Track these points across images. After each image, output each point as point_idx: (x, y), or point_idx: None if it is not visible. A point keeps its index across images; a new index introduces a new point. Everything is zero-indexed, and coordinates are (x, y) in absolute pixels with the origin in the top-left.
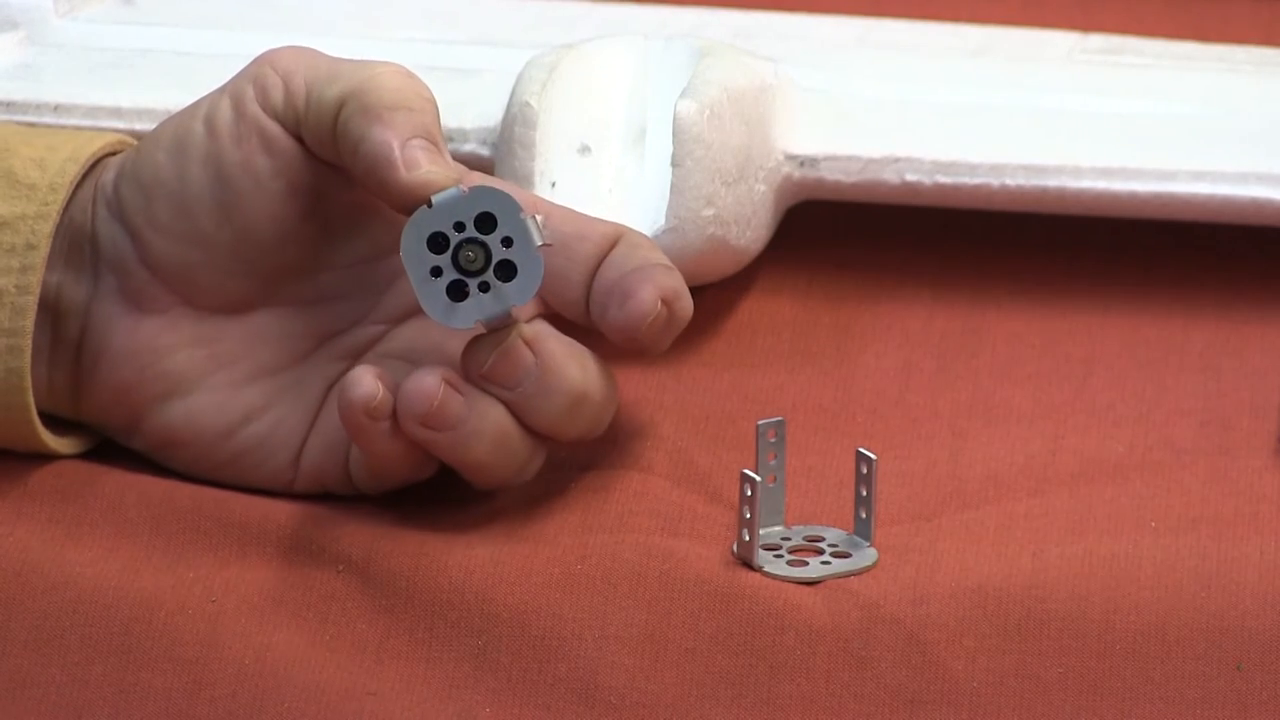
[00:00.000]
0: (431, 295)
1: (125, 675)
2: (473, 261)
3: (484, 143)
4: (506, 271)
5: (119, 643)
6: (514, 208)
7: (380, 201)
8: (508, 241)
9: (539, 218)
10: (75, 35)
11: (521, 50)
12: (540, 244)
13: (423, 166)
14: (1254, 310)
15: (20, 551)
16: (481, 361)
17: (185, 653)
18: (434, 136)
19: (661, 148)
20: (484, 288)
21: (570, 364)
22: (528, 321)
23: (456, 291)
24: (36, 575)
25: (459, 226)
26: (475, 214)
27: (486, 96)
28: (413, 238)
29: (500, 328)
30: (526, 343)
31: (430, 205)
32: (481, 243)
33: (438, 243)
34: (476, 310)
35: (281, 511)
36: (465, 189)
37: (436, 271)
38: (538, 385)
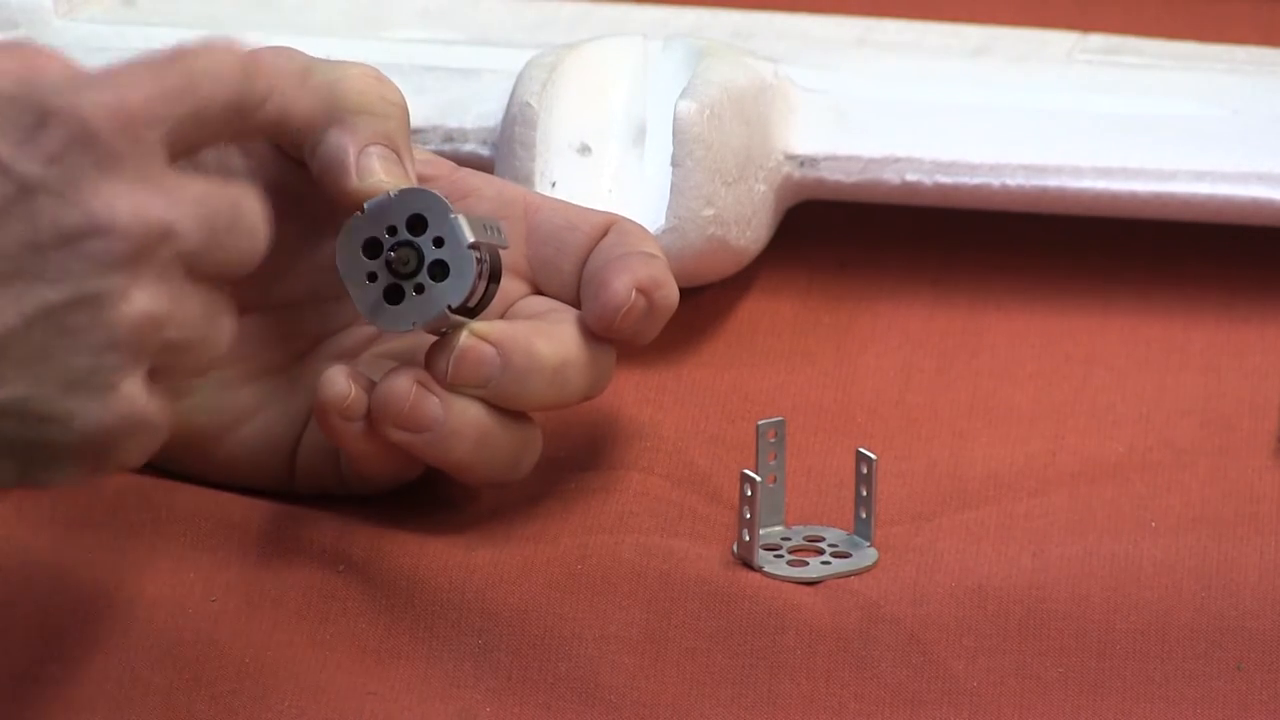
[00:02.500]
0: (367, 300)
1: (125, 675)
2: (405, 264)
3: (484, 143)
4: (440, 271)
5: (119, 643)
6: (443, 208)
7: (336, 206)
8: (439, 242)
9: (495, 222)
10: (75, 35)
11: (521, 50)
12: (471, 241)
13: (375, 175)
14: (1254, 310)
15: (21, 552)
16: (443, 370)
17: (185, 652)
18: (396, 143)
19: (661, 148)
20: (419, 289)
21: (538, 341)
22: (515, 302)
23: (393, 295)
24: (37, 576)
25: (391, 230)
26: (406, 216)
27: (486, 96)
28: (346, 245)
29: (444, 328)
30: (482, 337)
31: (363, 211)
32: (414, 245)
33: (371, 248)
34: (412, 313)
35: (282, 512)
36: (393, 193)
37: (372, 277)
38: (509, 375)
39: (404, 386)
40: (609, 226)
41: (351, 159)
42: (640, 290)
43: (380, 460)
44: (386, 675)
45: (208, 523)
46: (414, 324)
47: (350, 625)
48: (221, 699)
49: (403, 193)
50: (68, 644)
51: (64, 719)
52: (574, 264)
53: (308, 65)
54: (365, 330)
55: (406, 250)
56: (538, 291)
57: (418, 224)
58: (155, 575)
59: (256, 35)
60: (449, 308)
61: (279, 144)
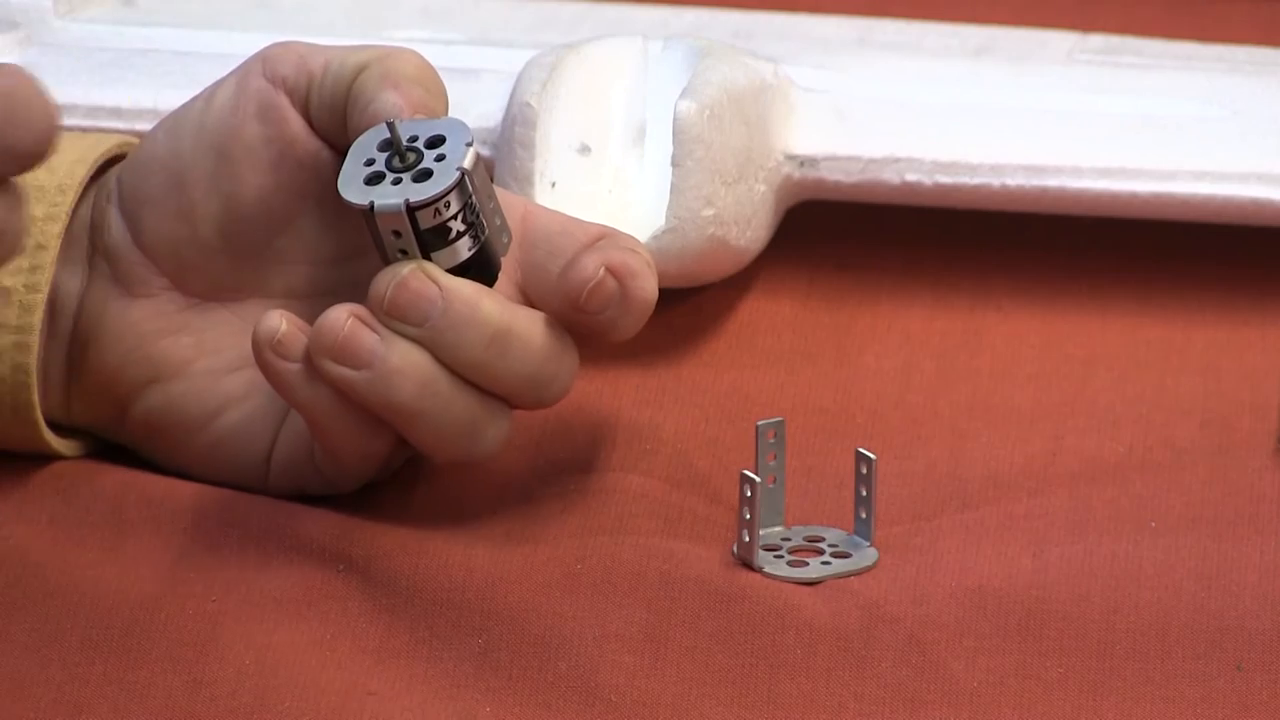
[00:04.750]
0: (349, 175)
1: (125, 675)
2: (403, 161)
3: (484, 143)
4: (422, 177)
5: (119, 643)
6: (466, 136)
7: None
8: (441, 158)
9: (506, 223)
10: (75, 35)
11: (521, 50)
12: (466, 167)
13: None
14: (1254, 310)
15: (21, 553)
16: (381, 295)
17: (185, 653)
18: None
19: (661, 148)
20: (395, 183)
21: (484, 299)
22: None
23: (372, 180)
24: (37, 577)
25: (413, 139)
26: (432, 133)
27: (486, 96)
28: (370, 136)
29: (394, 230)
30: (429, 277)
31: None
32: (420, 152)
33: (386, 145)
34: (375, 193)
35: (282, 511)
36: (436, 117)
37: (369, 163)
38: (447, 319)
39: (339, 316)
40: (602, 235)
41: (408, 115)
42: (611, 271)
43: (329, 417)
44: (386, 675)
45: (208, 522)
46: (370, 202)
47: (350, 625)
48: (221, 700)
49: (445, 118)
50: (68, 644)
51: (64, 719)
52: (562, 267)
53: (353, 46)
54: None
55: (412, 154)
56: (526, 300)
57: (437, 142)
58: (155, 575)
59: (256, 35)
60: (406, 201)
61: (312, 111)
